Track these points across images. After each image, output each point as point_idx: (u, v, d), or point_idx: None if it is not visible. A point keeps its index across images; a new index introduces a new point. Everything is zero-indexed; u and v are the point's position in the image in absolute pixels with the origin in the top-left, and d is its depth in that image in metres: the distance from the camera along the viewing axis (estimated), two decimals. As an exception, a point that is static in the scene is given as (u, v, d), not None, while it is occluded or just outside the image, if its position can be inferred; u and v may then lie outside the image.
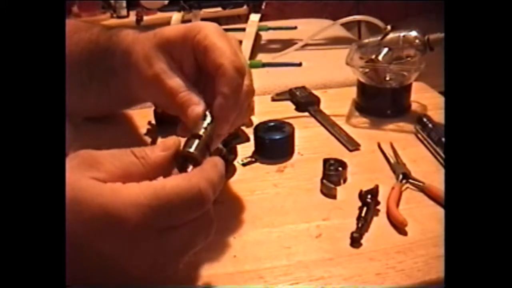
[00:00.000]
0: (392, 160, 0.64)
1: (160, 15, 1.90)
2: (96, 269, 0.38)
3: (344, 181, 0.61)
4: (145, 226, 0.36)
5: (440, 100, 0.80)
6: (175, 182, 0.38)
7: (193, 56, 0.50)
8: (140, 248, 0.37)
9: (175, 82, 0.49)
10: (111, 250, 0.37)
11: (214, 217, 0.41)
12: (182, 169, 0.42)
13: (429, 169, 0.62)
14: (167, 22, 1.40)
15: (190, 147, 0.43)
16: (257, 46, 1.29)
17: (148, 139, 0.71)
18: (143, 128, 0.74)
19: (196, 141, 0.44)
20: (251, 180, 0.61)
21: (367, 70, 0.76)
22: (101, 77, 0.59)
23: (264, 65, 1.15)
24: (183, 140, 0.44)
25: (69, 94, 0.41)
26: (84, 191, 0.36)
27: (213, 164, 0.41)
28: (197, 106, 0.47)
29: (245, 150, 0.66)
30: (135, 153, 0.40)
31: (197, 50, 0.49)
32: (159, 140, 0.71)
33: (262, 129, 0.67)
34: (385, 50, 0.75)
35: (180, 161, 0.42)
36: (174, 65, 0.50)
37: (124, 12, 2.04)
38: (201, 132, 0.45)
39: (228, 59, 0.47)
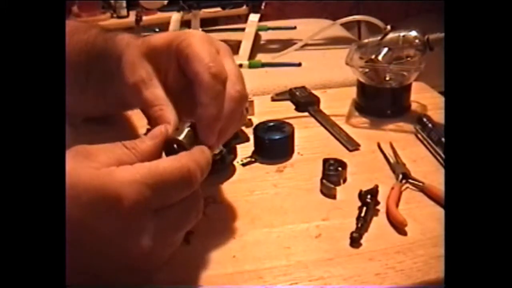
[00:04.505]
0: (392, 160, 0.64)
1: (159, 15, 1.90)
2: (97, 253, 0.39)
3: (344, 181, 0.61)
4: (142, 204, 0.38)
5: (440, 100, 0.80)
6: (167, 163, 0.41)
7: (177, 64, 0.49)
8: (138, 226, 0.39)
9: (151, 93, 0.49)
10: (110, 230, 0.38)
11: (201, 197, 0.44)
12: (170, 155, 0.44)
13: (429, 169, 0.62)
14: (167, 22, 1.40)
15: (179, 134, 0.45)
16: (257, 46, 1.29)
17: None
18: (143, 128, 0.74)
19: (186, 129, 0.45)
20: (251, 180, 0.61)
21: (367, 70, 0.76)
22: (98, 79, 0.59)
23: (264, 65, 1.15)
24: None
25: (67, 96, 0.41)
26: (80, 176, 0.38)
27: (200, 150, 0.43)
28: (167, 125, 0.46)
29: (244, 150, 0.66)
30: (125, 145, 0.42)
31: (179, 58, 0.48)
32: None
33: (262, 129, 0.67)
34: (385, 50, 0.75)
35: (168, 147, 0.44)
36: (157, 74, 0.50)
37: (124, 12, 2.03)
38: (191, 121, 0.46)
39: (205, 66, 0.46)
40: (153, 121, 0.48)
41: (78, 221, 0.37)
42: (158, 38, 0.51)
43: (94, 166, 0.39)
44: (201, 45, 0.48)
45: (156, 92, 0.49)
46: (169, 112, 0.47)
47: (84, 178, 0.37)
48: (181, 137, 0.45)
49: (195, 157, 0.42)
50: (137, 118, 0.76)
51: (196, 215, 0.43)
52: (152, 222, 0.39)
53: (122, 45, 0.54)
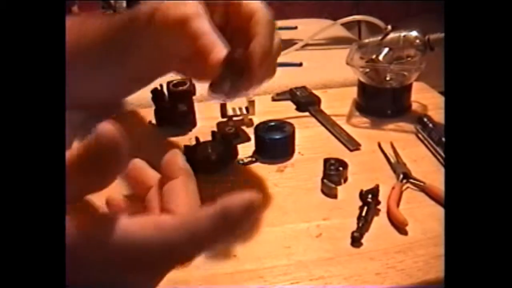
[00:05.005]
0: (392, 160, 0.64)
1: (160, 15, 1.90)
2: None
3: (345, 180, 0.61)
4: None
5: (440, 100, 0.80)
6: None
7: (224, 8, 0.52)
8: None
9: (201, 24, 0.49)
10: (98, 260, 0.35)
11: None
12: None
13: (430, 169, 0.62)
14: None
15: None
16: (258, 46, 1.29)
17: (147, 140, 0.71)
18: (143, 128, 0.74)
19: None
20: (251, 180, 0.61)
21: (367, 70, 0.76)
22: (116, 54, 0.60)
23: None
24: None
25: (80, 82, 0.41)
26: None
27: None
28: (220, 51, 0.47)
29: (245, 149, 0.66)
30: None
31: (231, 2, 0.52)
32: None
33: (263, 129, 0.67)
34: (386, 50, 0.75)
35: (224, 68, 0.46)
36: (204, 10, 0.51)
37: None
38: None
39: (263, 8, 0.50)
40: (202, 49, 0.48)
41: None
42: None
43: None
44: None
45: (205, 23, 0.50)
46: (218, 40, 0.48)
47: None
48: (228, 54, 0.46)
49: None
50: (138, 118, 0.77)
51: None
52: None
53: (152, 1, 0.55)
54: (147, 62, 0.58)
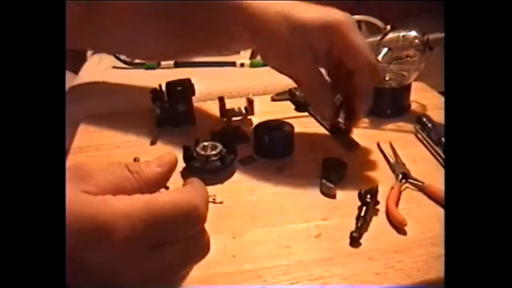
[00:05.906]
0: (391, 160, 0.64)
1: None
2: (84, 283, 0.36)
3: (344, 181, 0.61)
4: (134, 240, 0.35)
5: (440, 100, 0.80)
6: (167, 197, 0.37)
7: (327, 47, 0.58)
8: (128, 262, 0.36)
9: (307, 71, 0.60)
10: (98, 262, 0.35)
11: (207, 235, 0.40)
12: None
13: (429, 169, 0.62)
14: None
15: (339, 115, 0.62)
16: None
17: (147, 140, 0.71)
18: (143, 128, 0.74)
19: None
20: (251, 180, 0.61)
21: (366, 70, 0.76)
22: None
23: (265, 64, 1.14)
24: (180, 156, 0.44)
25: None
26: (72, 203, 0.34)
27: (200, 182, 0.41)
28: (330, 109, 0.61)
29: (244, 150, 0.66)
30: (129, 168, 0.39)
31: (335, 47, 0.58)
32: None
33: (262, 129, 0.67)
34: (385, 50, 0.75)
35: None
36: (309, 51, 0.58)
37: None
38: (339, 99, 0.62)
39: (367, 61, 0.58)
40: (312, 98, 0.63)
41: (66, 251, 0.34)
42: (303, 13, 0.58)
43: (90, 190, 0.36)
44: (355, 36, 0.57)
45: (313, 74, 0.60)
46: (328, 94, 0.61)
47: (75, 206, 0.34)
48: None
49: (201, 191, 0.39)
50: (138, 118, 0.77)
51: (199, 254, 0.40)
52: (145, 259, 0.36)
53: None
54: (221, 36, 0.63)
